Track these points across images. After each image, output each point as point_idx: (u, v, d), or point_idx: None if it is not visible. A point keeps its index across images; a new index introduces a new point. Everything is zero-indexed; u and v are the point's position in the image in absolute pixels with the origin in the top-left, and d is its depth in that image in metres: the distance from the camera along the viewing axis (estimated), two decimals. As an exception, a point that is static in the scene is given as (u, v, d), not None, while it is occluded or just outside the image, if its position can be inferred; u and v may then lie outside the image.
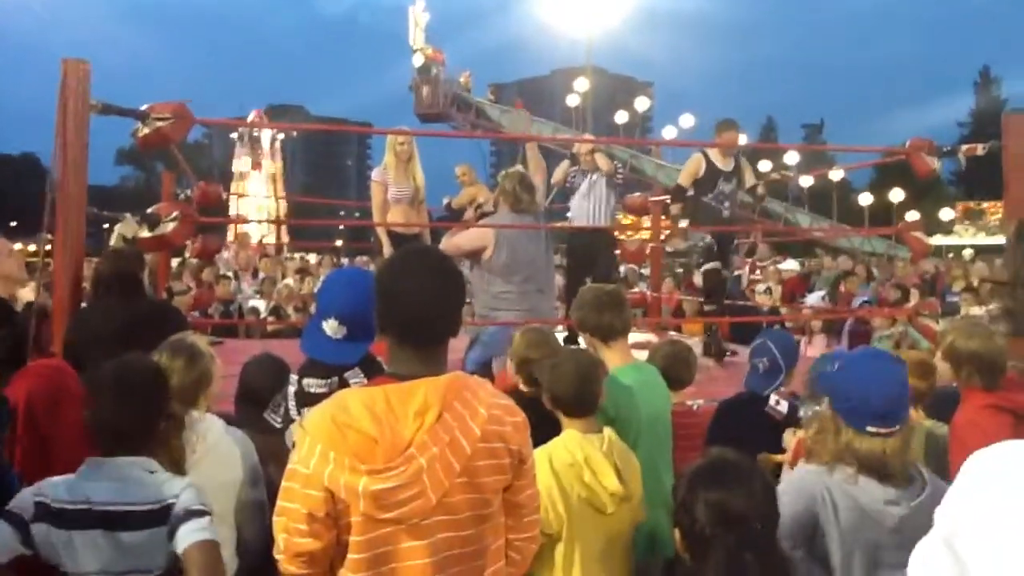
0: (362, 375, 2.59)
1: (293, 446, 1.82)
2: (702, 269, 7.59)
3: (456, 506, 1.78)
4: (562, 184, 7.53)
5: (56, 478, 2.32)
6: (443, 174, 8.71)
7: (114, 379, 2.38)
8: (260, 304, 10.52)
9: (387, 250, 6.50)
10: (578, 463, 2.77)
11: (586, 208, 7.20)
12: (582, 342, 3.58)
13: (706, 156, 7.10)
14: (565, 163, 7.53)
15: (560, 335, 6.76)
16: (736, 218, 7.67)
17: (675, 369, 3.74)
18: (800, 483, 2.29)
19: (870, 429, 2.20)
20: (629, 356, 3.39)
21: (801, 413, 3.17)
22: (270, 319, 9.67)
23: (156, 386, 2.44)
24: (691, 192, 7.19)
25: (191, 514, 2.19)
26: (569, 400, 2.89)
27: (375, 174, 6.75)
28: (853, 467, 2.22)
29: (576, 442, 2.82)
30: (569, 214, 7.52)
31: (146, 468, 2.28)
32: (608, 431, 2.93)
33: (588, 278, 6.99)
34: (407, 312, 1.83)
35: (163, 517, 2.19)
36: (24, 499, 2.23)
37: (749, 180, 7.34)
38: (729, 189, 7.14)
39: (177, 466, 2.45)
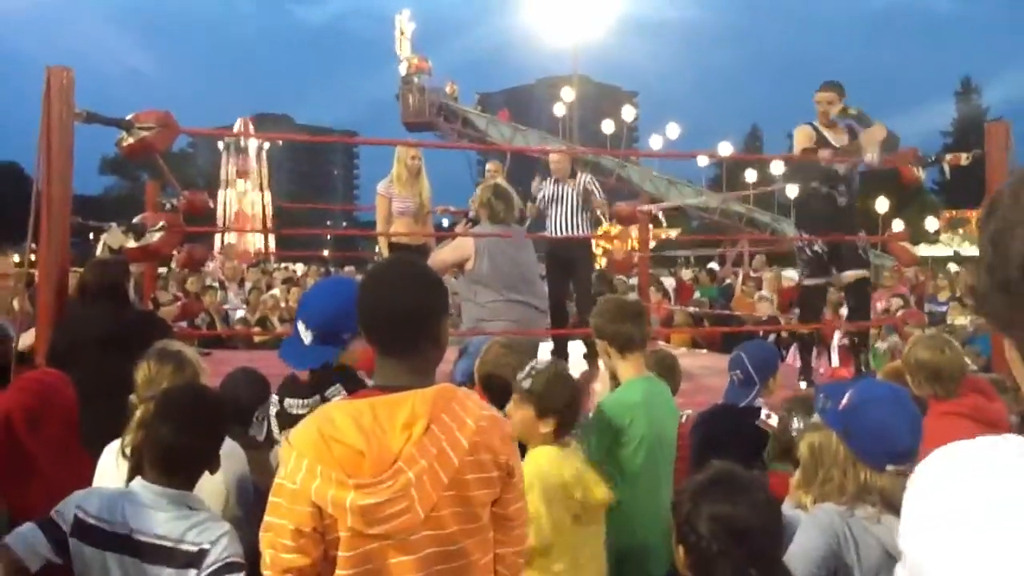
0: (343, 392, 2.56)
1: (278, 466, 1.80)
2: (803, 284, 6.40)
3: (444, 520, 1.76)
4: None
5: (100, 490, 2.31)
6: (432, 183, 8.73)
7: (186, 405, 2.36)
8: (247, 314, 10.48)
9: None
10: (568, 483, 2.75)
11: (556, 216, 7.02)
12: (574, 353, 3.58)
13: (815, 129, 6.06)
14: (535, 180, 7.46)
15: (547, 346, 6.77)
16: (854, 209, 6.29)
17: (661, 377, 3.74)
18: (821, 522, 2.25)
19: (890, 468, 2.19)
20: (643, 369, 3.36)
21: (794, 427, 3.18)
22: (256, 329, 9.63)
23: (223, 419, 2.43)
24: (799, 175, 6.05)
25: (229, 567, 2.14)
26: (565, 412, 2.87)
27: (380, 187, 6.70)
28: (875, 506, 2.19)
29: (559, 460, 2.80)
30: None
31: (189, 504, 2.25)
32: (574, 443, 2.92)
33: (569, 285, 6.98)
34: (384, 320, 1.84)
35: (195, 561, 2.14)
36: (67, 508, 2.20)
37: (871, 155, 5.88)
38: (844, 170, 5.95)
39: None
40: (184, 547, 2.15)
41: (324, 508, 1.69)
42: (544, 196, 7.14)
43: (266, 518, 1.75)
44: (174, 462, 2.26)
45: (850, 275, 6.07)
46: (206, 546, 2.15)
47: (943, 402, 3.34)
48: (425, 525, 1.73)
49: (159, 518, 2.18)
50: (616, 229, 11.46)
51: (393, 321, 1.82)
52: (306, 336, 2.56)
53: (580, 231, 7.04)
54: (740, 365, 3.68)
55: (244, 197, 28.45)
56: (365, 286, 1.90)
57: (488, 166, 8.48)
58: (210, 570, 2.13)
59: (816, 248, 6.05)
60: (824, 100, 6.03)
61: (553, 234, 7.05)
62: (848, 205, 6.10)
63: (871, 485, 2.20)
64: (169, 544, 2.15)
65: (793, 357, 8.55)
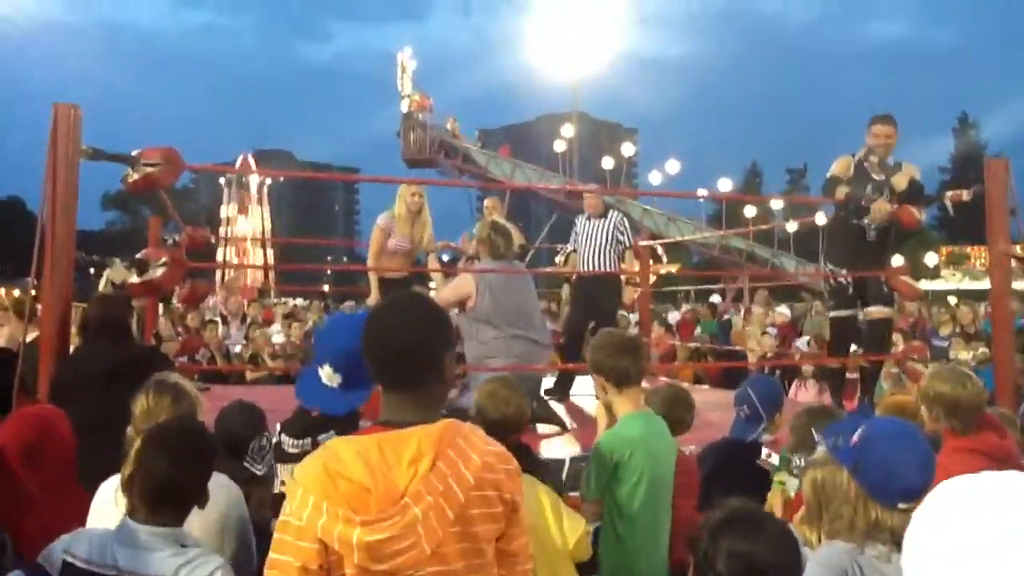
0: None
1: (276, 497, 1.79)
2: (830, 315, 6.45)
3: (449, 556, 1.75)
4: None
5: (89, 532, 2.26)
6: (432, 219, 8.77)
7: (173, 440, 2.33)
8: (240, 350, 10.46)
9: (374, 295, 6.49)
10: None
11: (586, 252, 7.16)
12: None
13: (856, 160, 6.11)
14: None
15: (550, 379, 6.77)
16: (886, 244, 6.27)
17: (676, 411, 3.73)
18: (829, 560, 2.20)
19: (901, 506, 2.14)
20: (640, 404, 3.36)
21: (794, 464, 3.18)
22: (249, 366, 9.59)
23: (212, 453, 2.40)
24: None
25: None
26: None
27: (381, 219, 6.66)
28: (885, 544, 2.15)
29: None
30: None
31: (180, 541, 2.21)
32: None
33: (591, 322, 7.01)
34: (389, 355, 1.84)
35: None
36: (54, 553, 2.16)
37: (870, 221, 5.98)
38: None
39: None
40: None
41: (330, 545, 1.68)
42: (576, 233, 7.28)
43: (271, 555, 1.74)
44: (163, 499, 2.24)
45: (875, 312, 6.08)
46: None
47: (959, 438, 3.28)
48: (431, 561, 1.72)
49: (153, 558, 2.15)
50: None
51: (399, 357, 1.83)
52: (333, 379, 2.47)
53: (608, 268, 7.11)
54: (747, 400, 3.69)
55: (236, 222, 28.50)
56: (371, 322, 1.90)
57: (486, 203, 8.55)
58: None
59: (841, 279, 6.06)
60: (883, 134, 6.03)
61: (582, 269, 7.12)
62: (879, 239, 6.07)
63: (882, 523, 2.16)
64: None
65: (794, 392, 8.54)
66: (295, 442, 2.59)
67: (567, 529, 2.84)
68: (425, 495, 1.70)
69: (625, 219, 7.39)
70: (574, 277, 7.85)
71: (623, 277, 7.73)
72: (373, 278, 6.63)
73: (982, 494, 0.89)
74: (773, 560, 1.86)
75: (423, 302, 2.02)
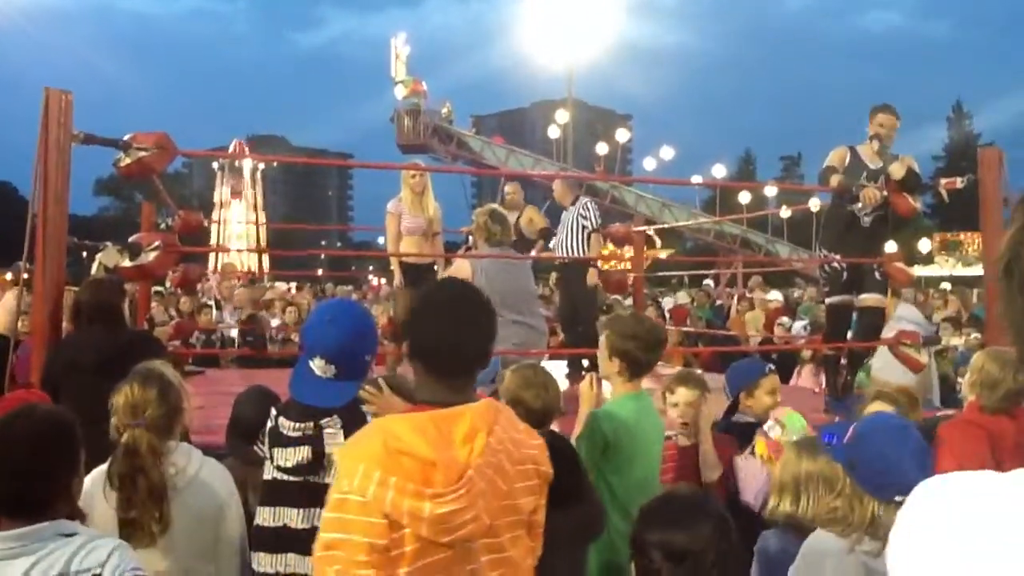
0: (339, 423, 2.49)
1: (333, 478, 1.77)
2: (826, 302, 6.47)
3: (500, 529, 1.82)
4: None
5: None
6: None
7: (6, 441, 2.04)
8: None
9: (398, 280, 6.71)
10: None
11: (558, 240, 7.38)
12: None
13: (852, 148, 6.11)
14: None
15: (547, 363, 6.78)
16: (883, 230, 6.22)
17: None
18: (813, 552, 2.22)
19: (898, 499, 2.11)
20: (638, 386, 3.41)
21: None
22: (244, 350, 9.54)
23: (47, 440, 2.08)
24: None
25: None
26: None
27: (390, 206, 6.80)
28: (880, 541, 2.12)
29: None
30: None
31: (61, 532, 1.99)
32: None
33: (574, 307, 7.09)
34: (447, 349, 1.87)
35: None
36: None
37: (862, 206, 5.92)
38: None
39: (159, 500, 2.40)
40: None
41: (398, 520, 1.68)
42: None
43: (331, 535, 1.70)
44: (19, 502, 2.00)
45: (868, 300, 6.05)
46: (97, 570, 1.96)
47: (979, 411, 3.37)
48: (486, 535, 1.78)
49: (30, 560, 1.93)
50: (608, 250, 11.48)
51: (457, 351, 1.88)
52: (326, 371, 2.44)
53: (577, 254, 7.19)
54: None
55: (229, 206, 28.41)
56: (425, 313, 1.94)
57: (507, 188, 8.64)
58: None
59: (835, 265, 6.07)
60: (888, 124, 5.93)
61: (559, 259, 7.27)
62: (873, 227, 6.02)
63: (879, 518, 2.16)
64: None
65: (795, 378, 8.57)
66: (296, 426, 2.53)
67: None
68: (484, 469, 1.76)
69: (590, 203, 7.45)
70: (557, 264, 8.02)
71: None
72: (395, 264, 6.74)
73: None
74: (696, 544, 1.88)
75: (472, 292, 2.04)
